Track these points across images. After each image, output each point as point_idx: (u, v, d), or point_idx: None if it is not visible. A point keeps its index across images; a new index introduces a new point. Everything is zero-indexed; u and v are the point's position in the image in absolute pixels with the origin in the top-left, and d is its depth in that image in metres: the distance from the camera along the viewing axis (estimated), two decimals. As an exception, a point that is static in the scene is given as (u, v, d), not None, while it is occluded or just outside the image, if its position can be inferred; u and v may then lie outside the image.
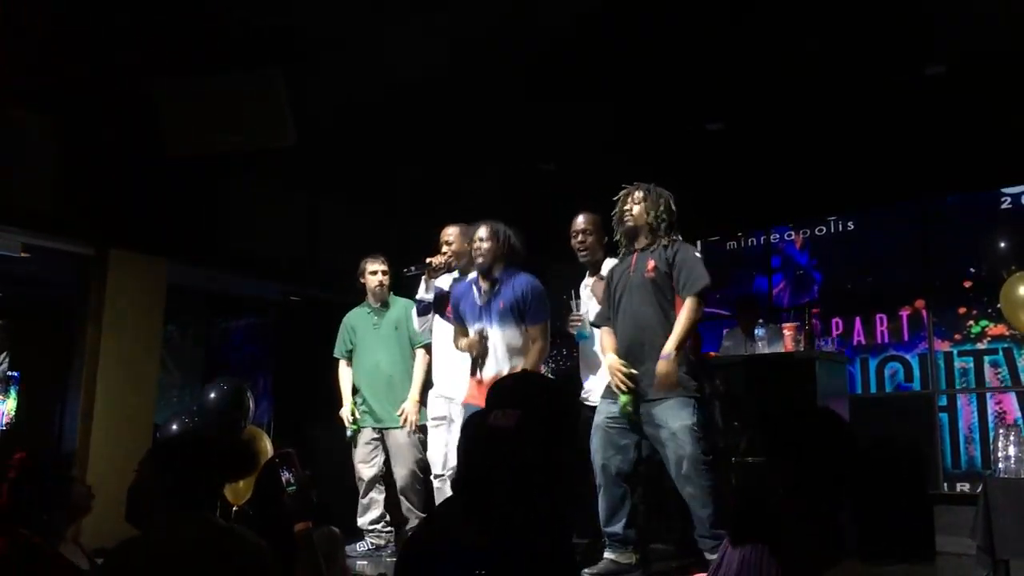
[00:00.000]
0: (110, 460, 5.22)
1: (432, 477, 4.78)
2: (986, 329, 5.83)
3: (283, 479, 2.33)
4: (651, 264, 3.94)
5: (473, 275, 4.40)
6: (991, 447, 4.76)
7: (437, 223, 4.91)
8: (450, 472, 4.61)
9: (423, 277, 4.71)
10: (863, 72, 5.06)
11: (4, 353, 8.49)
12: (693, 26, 4.61)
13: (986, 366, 5.79)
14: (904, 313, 6.18)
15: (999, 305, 4.92)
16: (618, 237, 4.15)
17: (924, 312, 6.10)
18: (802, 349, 4.90)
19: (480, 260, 4.25)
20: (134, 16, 4.49)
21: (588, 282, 4.51)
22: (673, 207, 4.04)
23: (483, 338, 4.20)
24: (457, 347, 4.41)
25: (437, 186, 6.44)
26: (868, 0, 4.42)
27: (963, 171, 5.72)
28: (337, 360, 5.27)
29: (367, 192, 6.89)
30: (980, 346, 5.84)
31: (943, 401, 5.94)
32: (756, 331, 5.30)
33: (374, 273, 5.15)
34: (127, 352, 5.70)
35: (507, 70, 5.05)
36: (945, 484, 5.79)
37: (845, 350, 6.36)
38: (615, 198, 4.14)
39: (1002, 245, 4.68)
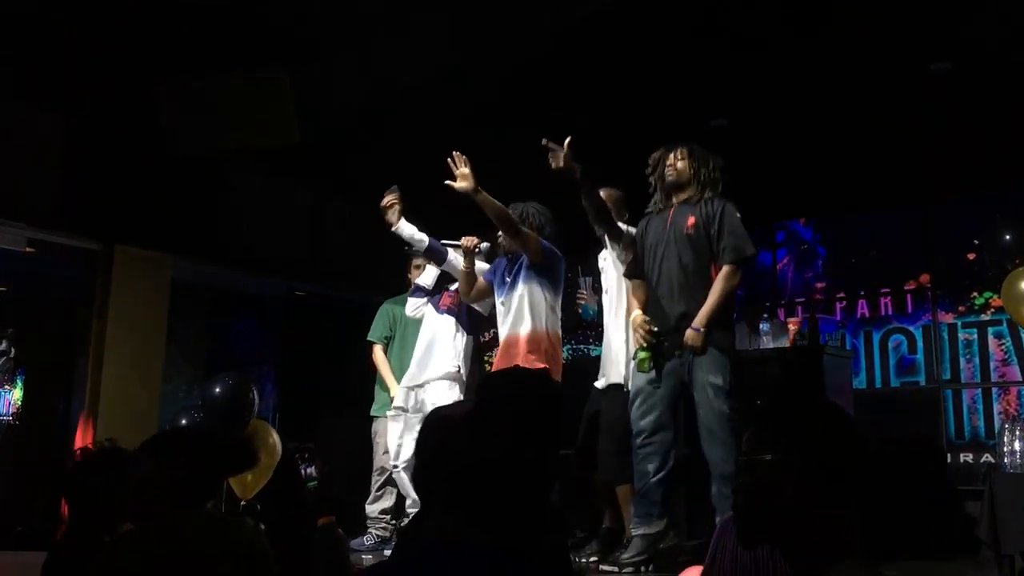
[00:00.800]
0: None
1: (391, 466, 4.85)
2: (990, 300, 5.79)
3: (304, 473, 2.30)
4: (691, 220, 3.84)
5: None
6: (996, 441, 4.76)
7: (440, 219, 4.91)
8: (403, 463, 4.69)
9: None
10: (868, 68, 5.04)
11: (8, 343, 8.49)
12: (699, 24, 4.59)
13: (990, 337, 5.77)
14: (908, 287, 6.15)
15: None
16: (655, 193, 4.05)
17: (928, 285, 6.07)
18: (806, 344, 4.91)
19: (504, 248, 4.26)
20: (141, 13, 4.49)
21: (604, 253, 4.44)
22: (721, 165, 3.95)
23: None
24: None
25: (440, 183, 6.43)
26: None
27: (968, 169, 5.69)
28: (370, 344, 5.26)
29: (372, 188, 6.87)
30: (984, 317, 5.81)
31: (947, 374, 5.92)
32: (760, 326, 5.29)
33: (419, 267, 5.12)
34: (132, 347, 5.71)
35: (509, 68, 5.04)
36: (949, 454, 5.78)
37: (848, 323, 6.35)
38: (652, 157, 4.04)
39: (1007, 237, 4.65)
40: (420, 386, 4.69)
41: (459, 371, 4.65)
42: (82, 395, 5.57)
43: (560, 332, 4.26)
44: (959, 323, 5.90)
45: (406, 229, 4.54)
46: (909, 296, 6.13)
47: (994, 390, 5.74)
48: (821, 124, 5.66)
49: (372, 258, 5.52)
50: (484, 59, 4.88)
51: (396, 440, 4.76)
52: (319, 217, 7.07)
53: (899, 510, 4.94)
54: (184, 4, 4.42)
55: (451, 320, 4.73)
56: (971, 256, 5.91)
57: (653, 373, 3.80)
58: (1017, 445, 4.46)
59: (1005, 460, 4.47)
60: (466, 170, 3.99)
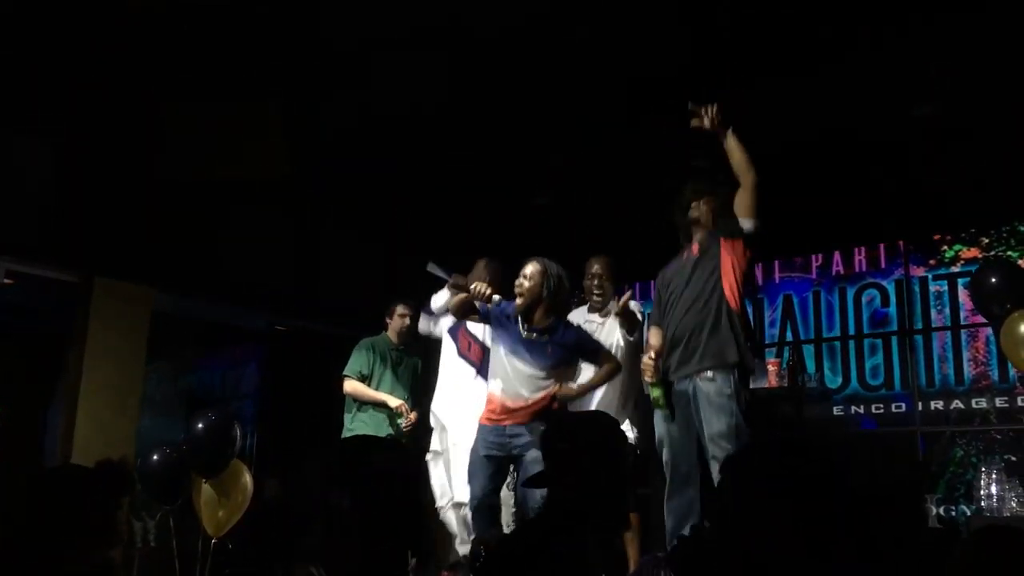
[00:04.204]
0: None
1: (437, 507, 4.88)
2: (959, 253, 5.93)
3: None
4: (695, 247, 3.93)
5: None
6: (975, 483, 4.78)
7: (428, 253, 4.96)
8: (448, 502, 4.77)
9: (447, 286, 4.84)
10: (850, 111, 5.12)
11: None
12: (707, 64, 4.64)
13: (960, 288, 5.87)
14: (882, 244, 6.27)
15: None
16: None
17: (900, 242, 6.20)
18: (786, 385, 4.94)
19: (520, 299, 4.14)
20: (126, 42, 4.50)
21: (591, 317, 4.58)
22: None
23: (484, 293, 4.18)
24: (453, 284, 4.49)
25: (429, 216, 6.46)
26: (857, 39, 4.49)
27: (948, 214, 5.78)
28: (344, 377, 5.26)
29: (358, 222, 6.90)
30: (954, 269, 5.93)
31: (919, 324, 6.02)
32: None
33: (403, 316, 5.36)
34: (110, 380, 5.66)
35: (504, 102, 5.08)
36: (920, 403, 5.87)
37: (823, 281, 6.45)
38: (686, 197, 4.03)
39: (992, 280, 4.70)
40: (444, 427, 4.85)
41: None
42: (57, 427, 5.51)
43: None
44: (930, 275, 6.03)
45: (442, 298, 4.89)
46: (883, 252, 6.23)
47: (963, 337, 5.81)
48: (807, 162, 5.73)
49: (356, 293, 5.53)
50: (473, 93, 4.92)
51: (439, 481, 4.84)
52: (303, 251, 7.07)
53: (875, 548, 4.94)
54: (169, 36, 4.44)
55: (472, 371, 4.81)
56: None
57: (668, 411, 3.82)
58: (994, 489, 4.48)
59: (983, 504, 4.49)
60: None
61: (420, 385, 5.36)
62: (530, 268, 4.15)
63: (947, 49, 4.51)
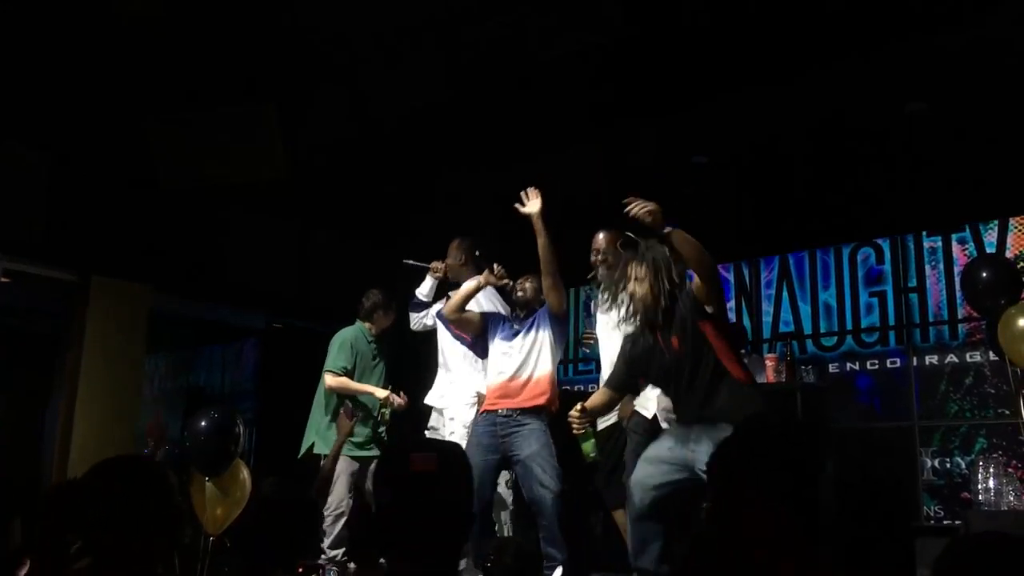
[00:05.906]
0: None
1: None
2: None
3: None
4: (675, 341, 3.63)
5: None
6: (971, 478, 4.79)
7: (423, 252, 4.98)
8: None
9: (428, 275, 5.12)
10: (842, 108, 5.13)
11: None
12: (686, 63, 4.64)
13: (954, 244, 5.86)
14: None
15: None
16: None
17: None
18: (784, 380, 4.95)
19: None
20: (125, 44, 4.51)
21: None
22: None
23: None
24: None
25: (423, 216, 6.47)
26: (850, 37, 4.50)
27: (941, 209, 5.78)
28: (328, 372, 5.16)
29: (354, 222, 6.90)
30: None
31: (913, 282, 5.97)
32: (739, 362, 5.32)
33: (392, 317, 5.40)
34: (108, 379, 5.65)
35: (497, 100, 5.09)
36: (915, 358, 5.81)
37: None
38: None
39: (984, 275, 4.69)
40: (442, 410, 4.93)
41: (478, 394, 4.78)
42: (56, 426, 5.50)
43: None
44: (924, 232, 6.00)
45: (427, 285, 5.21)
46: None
47: (958, 297, 5.72)
48: (799, 162, 5.75)
49: (353, 292, 5.52)
50: (467, 93, 4.92)
51: None
52: (301, 250, 7.07)
53: (870, 545, 4.94)
54: (169, 38, 4.44)
55: (466, 349, 4.89)
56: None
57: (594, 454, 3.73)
58: (992, 483, 4.50)
59: (980, 498, 4.50)
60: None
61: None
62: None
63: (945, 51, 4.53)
